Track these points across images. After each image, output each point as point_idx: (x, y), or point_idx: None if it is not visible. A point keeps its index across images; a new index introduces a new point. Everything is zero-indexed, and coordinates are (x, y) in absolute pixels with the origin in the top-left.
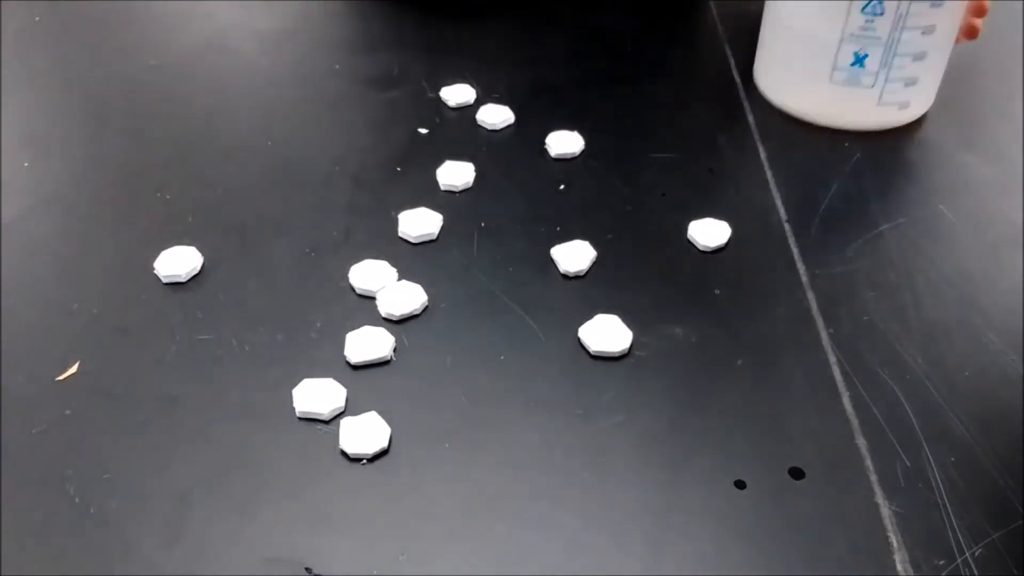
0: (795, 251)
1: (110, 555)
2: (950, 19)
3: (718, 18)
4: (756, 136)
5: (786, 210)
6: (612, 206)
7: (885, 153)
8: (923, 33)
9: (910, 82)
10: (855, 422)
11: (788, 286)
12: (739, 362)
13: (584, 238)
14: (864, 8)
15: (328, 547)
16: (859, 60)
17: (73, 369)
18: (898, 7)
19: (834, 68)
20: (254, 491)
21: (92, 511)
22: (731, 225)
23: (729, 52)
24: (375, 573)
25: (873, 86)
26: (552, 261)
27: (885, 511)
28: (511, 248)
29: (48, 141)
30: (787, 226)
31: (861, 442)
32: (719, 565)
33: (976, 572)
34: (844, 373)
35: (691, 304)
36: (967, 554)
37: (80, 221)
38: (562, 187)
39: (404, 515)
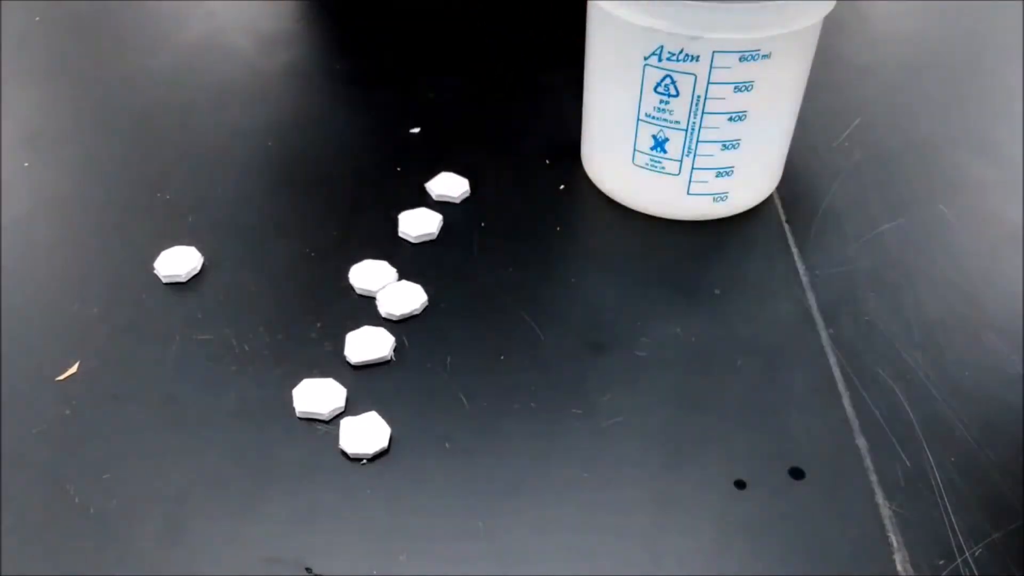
0: (795, 251)
1: (110, 555)
2: (767, 106)
3: None
4: None
5: (786, 210)
6: (612, 205)
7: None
8: (731, 119)
9: (723, 173)
10: (855, 422)
11: (788, 286)
12: (739, 362)
13: (584, 237)
14: (656, 87)
15: (328, 547)
16: (659, 144)
17: (73, 369)
18: (694, 88)
19: (635, 151)
20: (254, 491)
21: (92, 511)
22: (731, 224)
23: None
24: (375, 573)
25: (678, 174)
26: (552, 260)
27: (885, 511)
28: (511, 248)
29: (48, 141)
30: (787, 226)
31: (861, 442)
32: (719, 565)
33: (976, 572)
34: (844, 373)
35: (691, 304)
36: (967, 554)
37: (80, 221)
38: (562, 187)
39: (404, 515)
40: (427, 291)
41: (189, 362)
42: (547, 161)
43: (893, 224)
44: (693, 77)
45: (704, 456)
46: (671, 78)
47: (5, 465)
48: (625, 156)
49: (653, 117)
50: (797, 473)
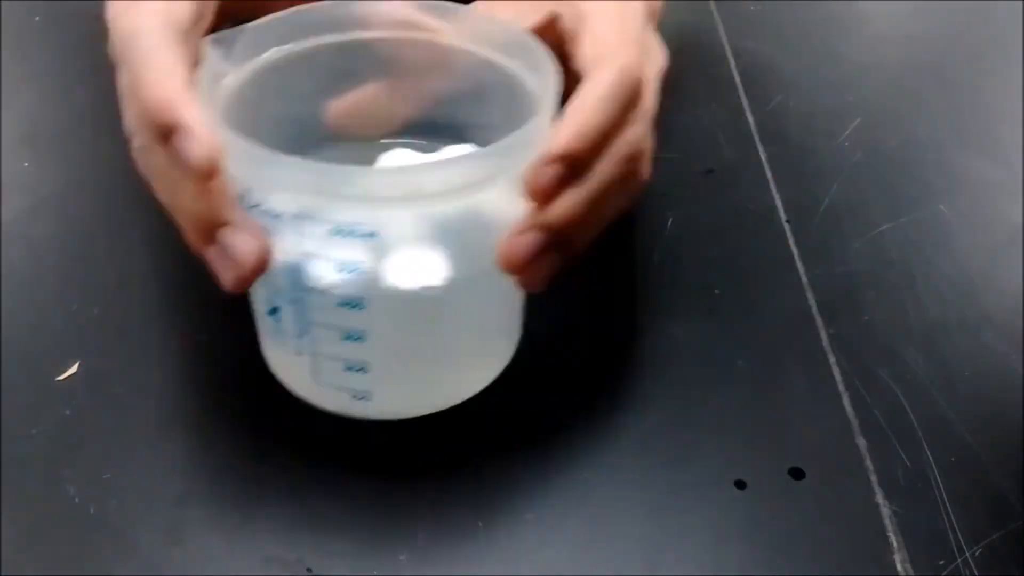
0: (795, 251)
1: (110, 555)
2: (396, 295)
3: (719, 18)
4: (756, 136)
5: (786, 210)
6: None
7: None
8: (343, 305)
9: (354, 367)
10: (855, 422)
11: (788, 286)
12: (739, 362)
13: None
14: None
15: (328, 547)
16: (273, 312)
17: (73, 369)
18: (287, 254)
19: (258, 313)
20: (254, 491)
21: (92, 511)
22: (731, 225)
23: (729, 52)
24: (375, 573)
25: (301, 355)
26: None
27: (885, 511)
28: None
29: (48, 141)
30: (787, 226)
31: (861, 442)
32: (719, 565)
33: (976, 572)
34: (844, 373)
35: (691, 304)
36: (967, 554)
37: (80, 221)
38: None
39: (404, 515)
40: None
41: (189, 362)
42: None
43: (893, 224)
44: (283, 240)
45: (704, 456)
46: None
47: (5, 465)
48: (258, 309)
49: (265, 279)
50: (797, 473)
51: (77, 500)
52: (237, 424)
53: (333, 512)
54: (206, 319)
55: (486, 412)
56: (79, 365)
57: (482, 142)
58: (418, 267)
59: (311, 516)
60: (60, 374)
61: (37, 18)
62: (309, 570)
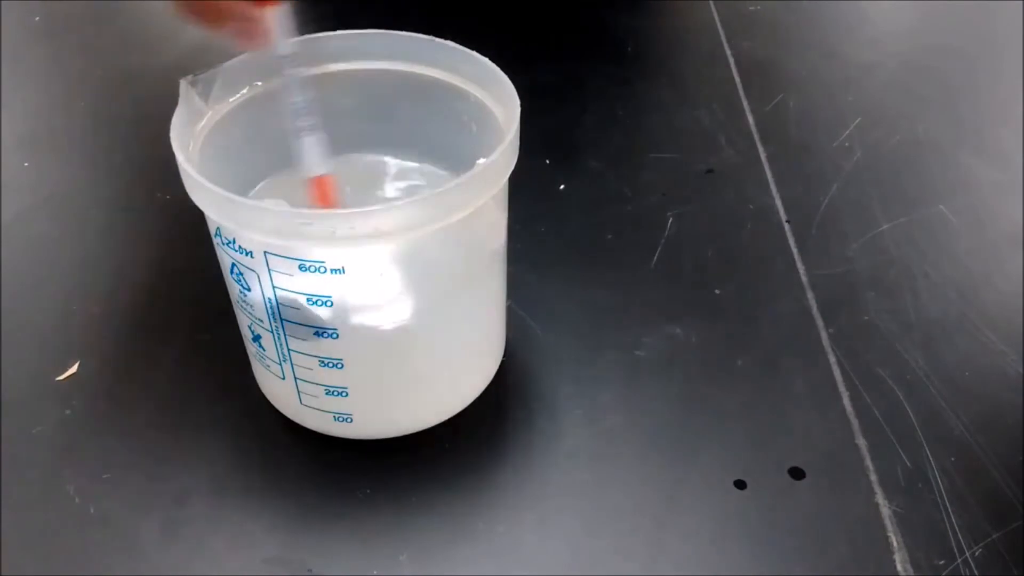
0: (795, 251)
1: (110, 555)
2: (366, 329)
3: (719, 18)
4: (756, 136)
5: (786, 210)
6: (612, 206)
7: None
8: (318, 335)
9: (334, 392)
10: (855, 422)
11: (788, 286)
12: (739, 362)
13: (584, 237)
14: (231, 272)
15: (328, 547)
16: (256, 338)
17: (73, 369)
18: (262, 288)
19: (245, 338)
20: (255, 491)
21: (92, 511)
22: (731, 225)
23: (729, 52)
24: (375, 573)
25: (284, 379)
26: (553, 261)
27: (885, 511)
28: (510, 247)
29: (48, 141)
30: (787, 226)
31: (861, 442)
32: (719, 565)
33: (976, 572)
34: (844, 373)
35: (691, 304)
36: (967, 554)
37: (80, 221)
38: (562, 187)
39: (404, 515)
40: None
41: (189, 363)
42: (546, 160)
43: (893, 224)
44: (256, 275)
45: (704, 456)
46: (238, 268)
47: (5, 465)
48: (244, 334)
49: (241, 305)
50: (797, 473)
51: (77, 500)
52: (237, 424)
53: (333, 512)
54: (206, 319)
55: (486, 413)
56: (79, 365)
57: (444, 156)
58: (386, 300)
59: (311, 516)
60: (60, 374)
61: (37, 18)
62: (309, 570)
